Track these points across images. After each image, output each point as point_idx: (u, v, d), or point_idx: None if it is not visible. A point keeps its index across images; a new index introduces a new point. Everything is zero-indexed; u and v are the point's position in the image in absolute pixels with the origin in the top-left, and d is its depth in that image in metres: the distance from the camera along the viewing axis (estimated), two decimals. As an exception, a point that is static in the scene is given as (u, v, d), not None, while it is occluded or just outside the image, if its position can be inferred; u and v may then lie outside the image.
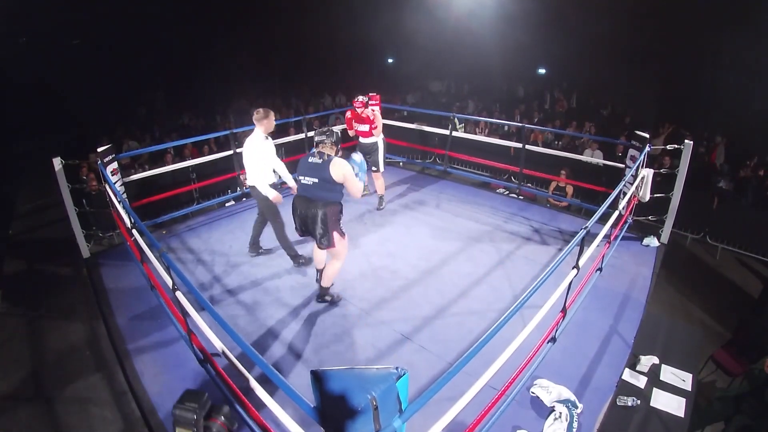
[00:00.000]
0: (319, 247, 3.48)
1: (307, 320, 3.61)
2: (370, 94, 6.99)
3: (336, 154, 3.34)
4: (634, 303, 3.80)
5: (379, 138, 5.37)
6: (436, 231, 5.02)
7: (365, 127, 5.29)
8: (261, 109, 3.95)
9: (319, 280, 3.81)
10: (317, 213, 3.21)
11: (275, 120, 4.24)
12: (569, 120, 9.45)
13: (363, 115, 5.22)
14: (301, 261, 4.30)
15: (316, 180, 3.21)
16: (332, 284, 3.73)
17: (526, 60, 12.27)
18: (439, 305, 3.76)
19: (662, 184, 4.84)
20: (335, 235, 3.31)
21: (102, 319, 3.84)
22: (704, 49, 9.32)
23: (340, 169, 3.18)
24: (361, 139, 5.42)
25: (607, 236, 3.92)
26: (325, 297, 3.76)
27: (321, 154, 3.23)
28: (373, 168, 5.42)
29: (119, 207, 4.07)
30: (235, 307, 3.80)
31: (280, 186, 4.36)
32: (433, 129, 7.26)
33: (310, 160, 3.26)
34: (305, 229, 3.36)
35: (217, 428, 1.19)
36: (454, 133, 6.75)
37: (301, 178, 3.30)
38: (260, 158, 3.94)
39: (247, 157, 3.94)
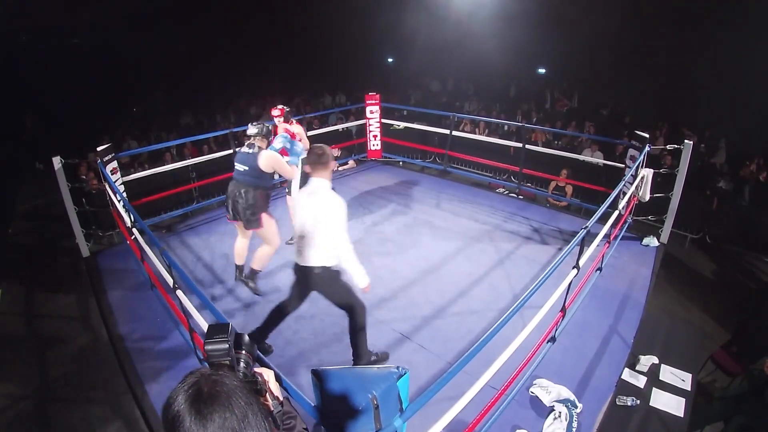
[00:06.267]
0: (246, 228, 3.65)
1: (307, 320, 3.61)
2: (369, 93, 7.04)
3: (267, 147, 3.72)
4: (634, 303, 3.80)
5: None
6: (436, 231, 5.02)
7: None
8: (321, 145, 2.79)
9: (238, 277, 3.96)
10: (247, 196, 3.51)
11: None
12: (569, 120, 9.45)
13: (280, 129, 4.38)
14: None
15: (246, 168, 3.52)
16: (260, 270, 3.85)
17: (525, 59, 12.26)
18: (438, 305, 3.76)
19: (662, 184, 4.84)
20: (263, 216, 3.61)
21: (102, 319, 3.84)
22: (704, 49, 9.32)
23: (267, 160, 3.52)
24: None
25: (606, 236, 3.92)
26: (248, 280, 3.84)
27: (252, 146, 3.55)
28: (287, 190, 4.60)
29: (119, 206, 4.07)
30: (235, 306, 3.80)
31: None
32: (420, 126, 7.27)
33: (243, 150, 3.58)
34: (235, 213, 3.58)
35: (244, 359, 1.22)
36: (454, 132, 6.75)
37: (236, 165, 3.58)
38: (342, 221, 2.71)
39: (324, 219, 2.67)
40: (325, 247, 2.73)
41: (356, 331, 2.92)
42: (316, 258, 2.75)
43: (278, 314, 3.06)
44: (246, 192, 3.49)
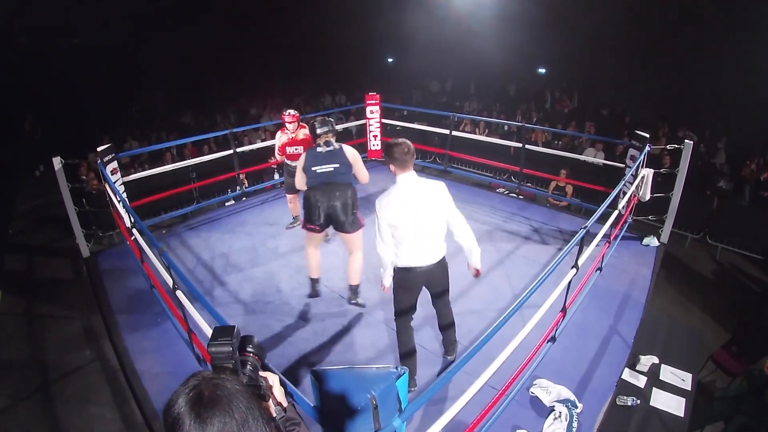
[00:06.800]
0: (347, 231, 3.39)
1: (306, 320, 3.61)
2: (369, 93, 7.03)
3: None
4: (634, 303, 3.79)
5: None
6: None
7: (300, 149, 4.51)
8: (404, 140, 2.65)
9: (316, 292, 3.70)
10: (344, 197, 3.28)
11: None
12: (569, 120, 9.46)
13: (300, 137, 4.54)
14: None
15: (337, 165, 3.29)
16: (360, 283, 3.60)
17: (525, 60, 12.27)
18: (438, 305, 3.74)
19: (662, 183, 4.84)
20: (359, 214, 3.43)
21: (102, 319, 3.84)
22: (704, 49, 9.32)
23: (351, 151, 3.40)
24: (291, 163, 4.66)
25: (606, 236, 3.92)
26: (357, 299, 3.62)
27: (329, 143, 3.35)
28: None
29: (119, 206, 4.07)
30: (235, 307, 3.80)
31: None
32: (420, 126, 7.28)
33: (319, 150, 3.33)
34: (332, 219, 3.34)
35: (251, 362, 1.19)
36: (454, 133, 6.75)
37: (316, 168, 3.27)
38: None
39: (439, 205, 2.59)
40: (443, 235, 2.61)
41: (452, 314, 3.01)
42: (440, 250, 2.64)
43: (409, 329, 2.87)
44: (343, 191, 3.28)
